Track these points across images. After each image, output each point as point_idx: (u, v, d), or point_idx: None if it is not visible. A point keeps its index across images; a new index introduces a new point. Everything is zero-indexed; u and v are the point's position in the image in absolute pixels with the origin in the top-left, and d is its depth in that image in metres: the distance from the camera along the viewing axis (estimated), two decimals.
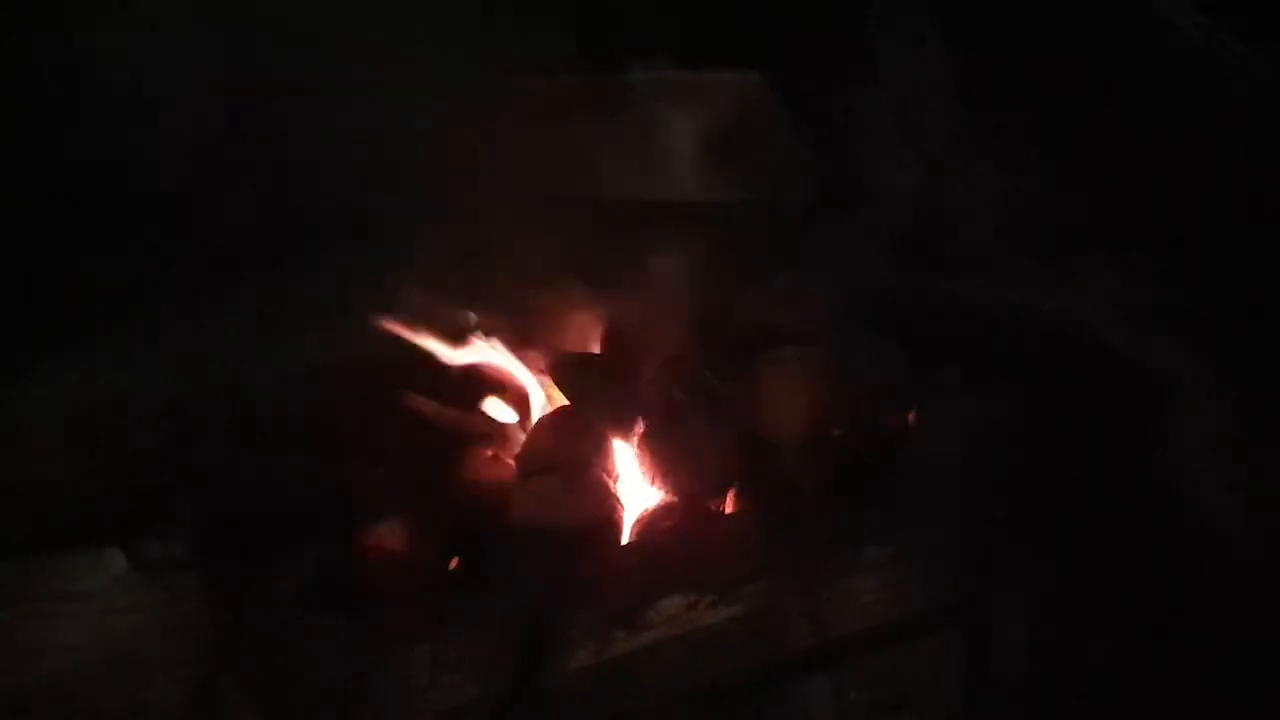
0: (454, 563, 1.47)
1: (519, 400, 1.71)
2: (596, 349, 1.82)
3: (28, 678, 1.19)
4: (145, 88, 1.49)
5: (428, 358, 1.64)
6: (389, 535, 1.40)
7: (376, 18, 1.60)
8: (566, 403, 1.69)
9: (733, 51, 2.05)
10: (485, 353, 1.71)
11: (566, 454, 1.55)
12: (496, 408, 1.67)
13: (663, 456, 1.60)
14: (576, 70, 1.95)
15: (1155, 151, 1.68)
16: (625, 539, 1.51)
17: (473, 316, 1.71)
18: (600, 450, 1.60)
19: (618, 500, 1.54)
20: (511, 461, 1.62)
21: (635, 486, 1.62)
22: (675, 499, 1.58)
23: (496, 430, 1.65)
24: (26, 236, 1.46)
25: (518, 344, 1.74)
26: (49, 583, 1.23)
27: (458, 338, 1.69)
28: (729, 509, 1.60)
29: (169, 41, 1.51)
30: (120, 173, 1.47)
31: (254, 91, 1.53)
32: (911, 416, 1.71)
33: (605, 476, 1.57)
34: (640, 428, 1.65)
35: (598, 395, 1.65)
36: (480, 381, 1.67)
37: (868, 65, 1.95)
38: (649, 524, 1.53)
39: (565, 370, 1.69)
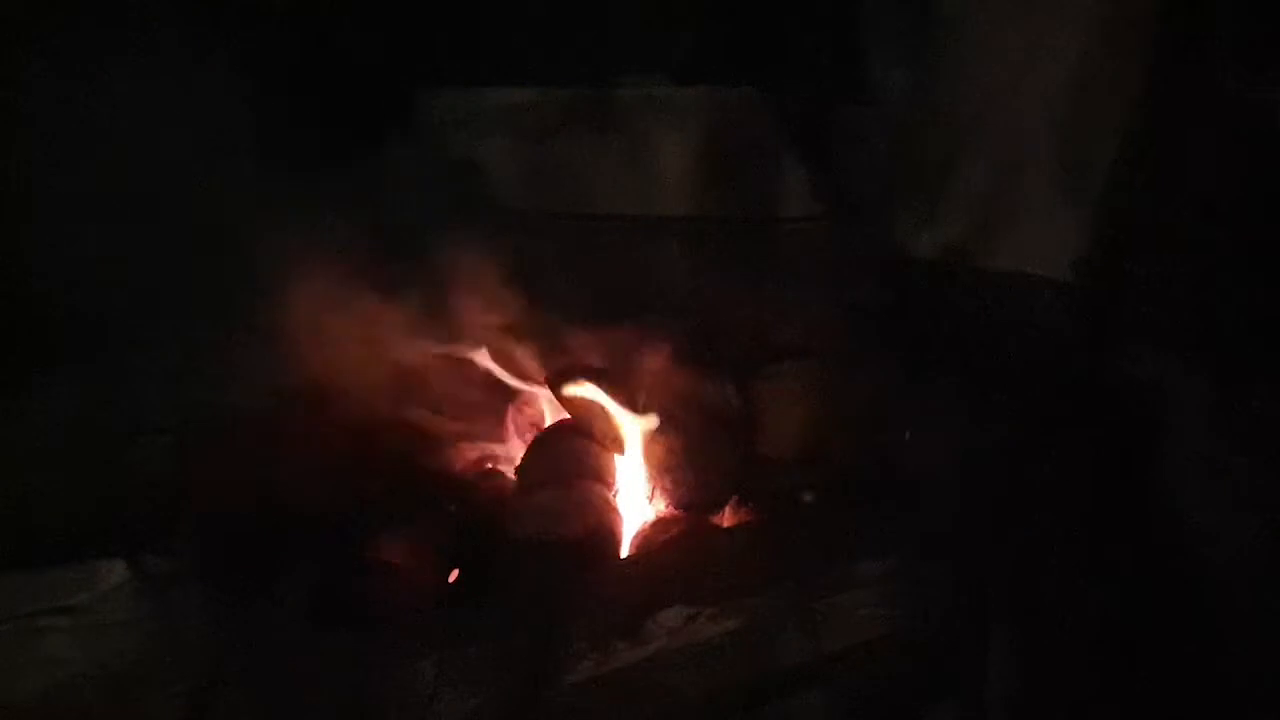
0: (455, 576, 1.47)
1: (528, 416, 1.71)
2: (597, 364, 1.82)
3: (21, 692, 1.18)
4: None
5: (432, 372, 1.65)
6: (391, 550, 1.40)
7: None
8: (567, 417, 1.70)
9: (729, 68, 2.06)
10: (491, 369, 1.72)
11: (567, 468, 1.56)
12: (502, 422, 1.68)
13: (662, 470, 1.62)
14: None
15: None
16: (625, 552, 1.52)
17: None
18: (600, 464, 1.61)
19: (617, 513, 1.56)
20: (512, 475, 1.63)
21: (635, 500, 1.64)
22: (674, 512, 1.60)
23: (499, 445, 1.66)
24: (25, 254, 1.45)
25: (522, 360, 1.75)
26: (44, 596, 1.22)
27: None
28: (727, 523, 1.62)
29: None
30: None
31: None
32: (908, 432, 1.72)
33: (605, 490, 1.58)
34: (640, 442, 1.66)
35: (598, 410, 1.66)
36: (486, 396, 1.68)
37: (863, 82, 1.97)
38: (648, 537, 1.55)
39: (566, 385, 1.70)
